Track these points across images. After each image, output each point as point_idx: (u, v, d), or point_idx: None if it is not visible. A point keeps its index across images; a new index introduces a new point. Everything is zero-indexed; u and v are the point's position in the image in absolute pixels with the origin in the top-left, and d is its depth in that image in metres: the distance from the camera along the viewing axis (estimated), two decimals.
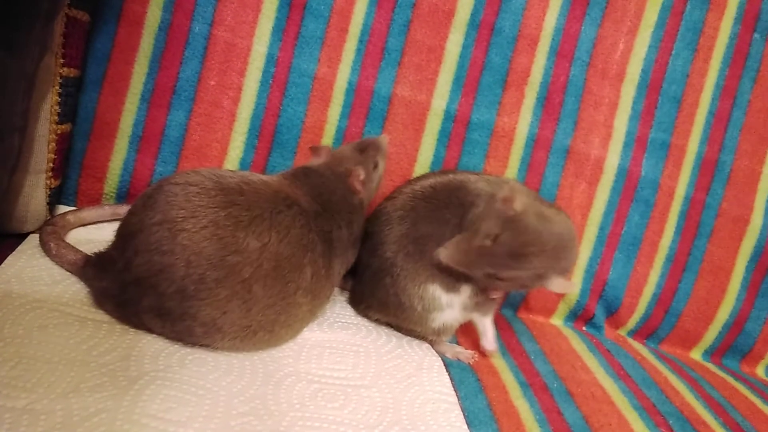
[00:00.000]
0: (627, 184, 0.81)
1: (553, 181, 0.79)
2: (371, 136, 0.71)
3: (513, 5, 0.75)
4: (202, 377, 0.48)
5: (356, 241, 0.64)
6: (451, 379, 0.59)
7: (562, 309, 0.82)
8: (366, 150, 0.67)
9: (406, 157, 0.75)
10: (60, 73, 0.61)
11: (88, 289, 0.55)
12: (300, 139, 0.73)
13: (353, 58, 0.73)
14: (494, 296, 0.63)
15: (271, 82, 0.71)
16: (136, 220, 0.51)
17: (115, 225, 0.67)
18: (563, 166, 0.79)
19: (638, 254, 0.83)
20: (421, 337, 0.65)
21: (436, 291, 0.61)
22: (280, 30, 0.71)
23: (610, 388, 0.67)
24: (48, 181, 0.63)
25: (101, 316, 0.53)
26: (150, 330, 0.52)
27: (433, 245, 0.60)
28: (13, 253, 0.58)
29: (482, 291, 0.62)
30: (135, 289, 0.49)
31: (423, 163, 0.76)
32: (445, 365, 0.62)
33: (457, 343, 0.68)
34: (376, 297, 0.64)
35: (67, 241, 0.62)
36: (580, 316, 0.83)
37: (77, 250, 0.57)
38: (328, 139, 0.74)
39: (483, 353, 0.65)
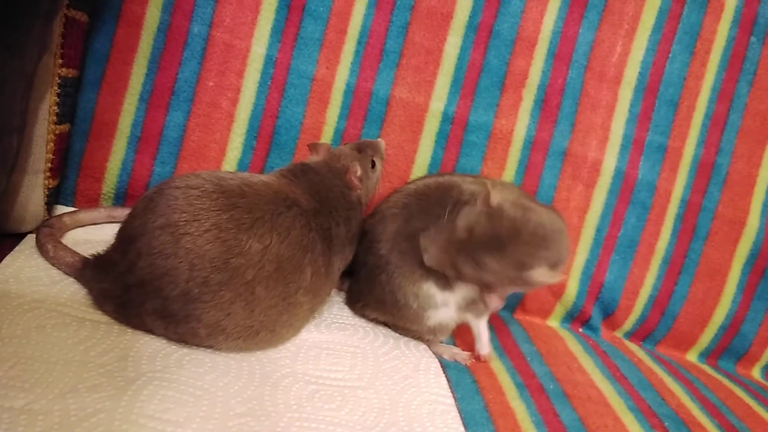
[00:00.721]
0: (624, 186, 0.81)
1: (550, 184, 0.79)
2: (369, 139, 0.72)
3: (511, 8, 0.75)
4: (200, 378, 0.49)
5: (354, 238, 0.65)
6: (448, 380, 0.60)
7: (559, 311, 0.83)
8: (364, 150, 0.68)
9: (404, 159, 0.76)
10: (59, 74, 0.61)
11: (87, 291, 0.55)
12: (298, 141, 0.73)
13: (352, 60, 0.73)
14: (493, 304, 0.62)
15: (269, 83, 0.72)
16: (138, 223, 0.51)
17: (113, 226, 0.67)
18: (560, 169, 0.79)
19: (635, 256, 0.83)
20: (417, 336, 0.65)
21: (430, 289, 0.62)
22: (278, 31, 0.71)
23: (606, 389, 0.67)
24: (46, 181, 0.63)
25: (99, 316, 0.53)
26: (151, 331, 0.52)
27: None
28: (11, 253, 0.59)
29: (479, 297, 0.62)
30: (138, 292, 0.50)
31: (420, 165, 0.76)
32: (442, 367, 0.62)
33: (454, 344, 0.68)
34: (373, 295, 0.64)
35: (65, 241, 0.62)
36: (576, 317, 0.83)
37: (75, 252, 0.57)
38: (326, 140, 0.74)
39: (478, 357, 0.65)
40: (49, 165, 0.63)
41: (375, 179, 0.70)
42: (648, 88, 0.80)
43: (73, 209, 0.69)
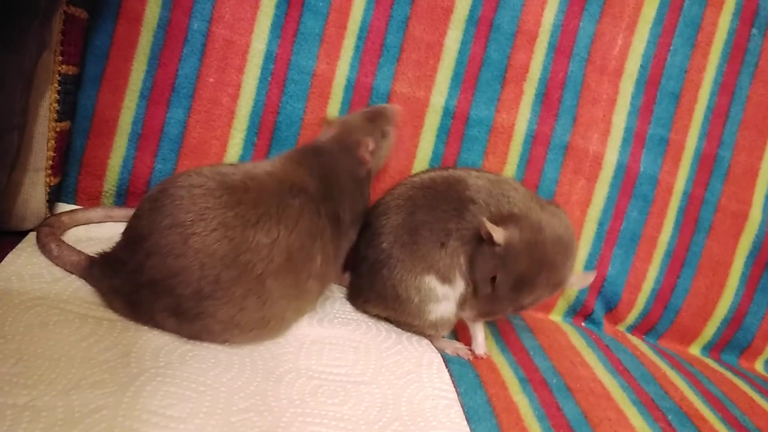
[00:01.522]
0: (626, 180, 0.81)
1: (552, 178, 0.79)
2: (381, 105, 0.71)
3: (511, 1, 0.75)
4: (203, 374, 0.49)
5: (360, 215, 0.65)
6: (450, 375, 0.60)
7: (561, 305, 0.83)
8: (375, 119, 0.68)
9: (405, 154, 0.76)
10: (59, 71, 0.61)
11: (94, 288, 0.55)
12: (299, 136, 0.73)
13: (352, 55, 0.73)
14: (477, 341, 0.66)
15: (270, 79, 0.71)
16: (146, 222, 0.51)
17: (113, 224, 0.68)
18: (562, 163, 0.79)
19: (637, 250, 0.83)
20: (419, 331, 0.65)
21: (431, 282, 0.62)
22: (278, 27, 0.71)
23: (609, 383, 0.67)
24: (47, 179, 0.63)
25: (101, 313, 0.53)
26: (161, 328, 0.52)
27: (427, 233, 0.61)
28: (13, 251, 0.58)
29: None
30: (149, 291, 0.50)
31: (422, 160, 0.76)
32: (444, 361, 0.62)
33: (457, 339, 0.68)
34: (374, 290, 0.64)
35: (66, 240, 0.62)
36: (579, 311, 0.83)
37: (79, 251, 0.57)
38: None
39: (474, 355, 0.65)
40: (50, 162, 0.63)
41: (386, 147, 0.69)
42: (649, 81, 0.80)
43: (73, 207, 0.69)
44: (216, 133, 0.71)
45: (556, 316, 0.83)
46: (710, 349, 0.87)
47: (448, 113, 0.76)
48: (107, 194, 0.71)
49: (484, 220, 0.57)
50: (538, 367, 0.67)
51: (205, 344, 0.53)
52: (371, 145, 0.64)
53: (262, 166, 0.58)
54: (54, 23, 0.59)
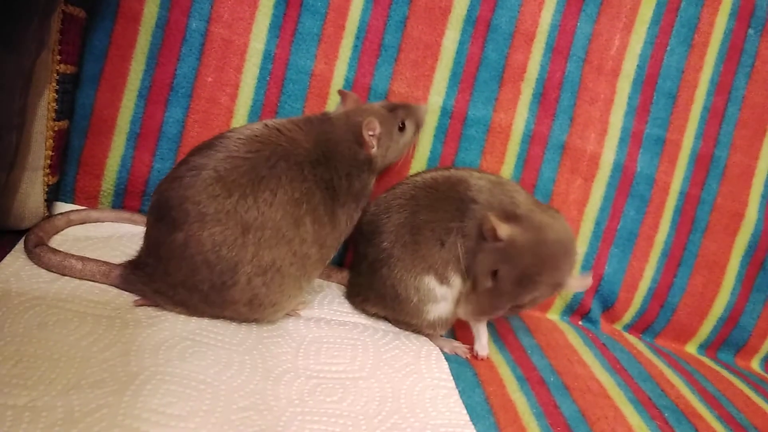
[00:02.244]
0: (622, 179, 0.81)
1: (549, 177, 0.79)
2: (409, 103, 0.70)
3: (509, 1, 0.75)
4: (203, 371, 0.49)
5: (357, 196, 0.62)
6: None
7: (559, 304, 0.83)
8: (395, 110, 0.66)
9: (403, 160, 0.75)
10: (57, 70, 0.61)
11: (138, 294, 0.56)
12: None
13: (350, 55, 0.73)
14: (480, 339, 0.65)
15: (268, 78, 0.71)
16: (155, 232, 0.54)
17: (110, 223, 0.67)
18: (559, 162, 0.79)
19: (634, 249, 0.83)
20: (417, 330, 0.65)
21: (431, 282, 0.62)
22: (277, 27, 0.71)
23: (606, 381, 0.67)
24: (45, 178, 0.63)
25: (101, 311, 0.53)
26: (214, 318, 0.57)
27: (429, 233, 0.61)
28: (12, 252, 0.59)
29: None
30: (184, 289, 0.54)
31: (420, 159, 0.76)
32: (442, 353, 0.63)
33: (455, 338, 0.68)
34: (374, 289, 0.64)
35: (66, 239, 0.63)
36: (576, 310, 0.83)
37: (104, 262, 0.57)
38: None
39: (475, 356, 0.65)
40: (49, 162, 0.63)
41: (402, 144, 0.67)
42: (646, 81, 0.80)
43: (69, 208, 0.69)
44: (214, 132, 0.70)
45: (554, 315, 0.83)
46: (707, 347, 0.88)
47: (445, 113, 0.76)
48: (105, 193, 0.71)
49: (489, 214, 0.57)
50: (536, 365, 0.67)
51: (204, 340, 0.53)
52: (377, 129, 0.61)
53: (253, 129, 0.58)
54: (53, 22, 0.59)
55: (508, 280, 0.57)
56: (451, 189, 0.63)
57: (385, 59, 0.74)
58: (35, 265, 0.57)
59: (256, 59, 0.71)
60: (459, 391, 0.57)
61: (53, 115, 0.62)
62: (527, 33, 0.76)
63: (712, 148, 0.83)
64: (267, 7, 0.70)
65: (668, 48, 0.80)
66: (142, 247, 0.57)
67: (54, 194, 0.67)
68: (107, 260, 0.58)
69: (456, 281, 0.62)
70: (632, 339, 0.84)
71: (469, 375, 0.61)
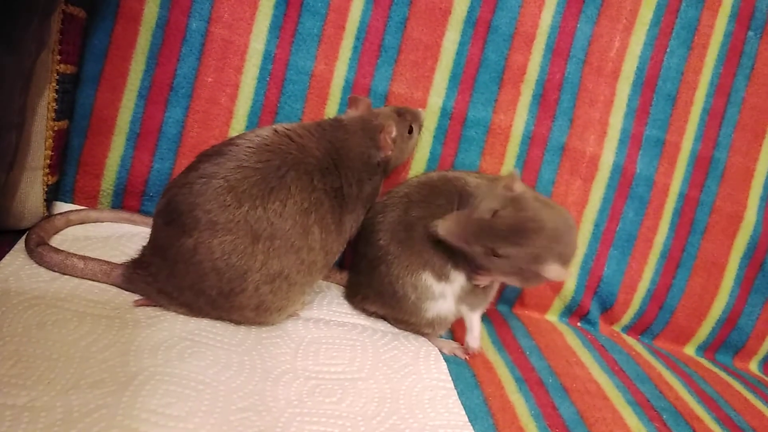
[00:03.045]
0: (622, 181, 0.81)
1: (549, 178, 0.79)
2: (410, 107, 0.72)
3: (509, 3, 0.75)
4: (202, 372, 0.49)
5: (366, 200, 0.64)
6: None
7: (557, 305, 0.83)
8: (404, 114, 0.68)
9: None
10: (57, 70, 0.61)
11: (142, 292, 0.56)
12: None
13: (350, 56, 0.73)
14: (479, 283, 0.63)
15: (268, 79, 0.71)
16: (163, 234, 0.54)
17: (109, 223, 0.67)
18: (559, 163, 0.79)
19: (633, 251, 0.84)
20: (416, 329, 0.66)
21: (428, 279, 0.62)
22: (277, 27, 0.71)
23: (605, 383, 0.67)
24: (45, 178, 0.63)
25: (99, 310, 0.53)
26: (217, 319, 0.57)
27: (422, 229, 0.61)
28: (11, 251, 0.59)
29: (471, 276, 0.62)
30: (190, 293, 0.54)
31: (419, 160, 0.76)
32: (441, 353, 0.63)
33: (453, 339, 0.68)
34: (372, 287, 0.64)
35: (63, 238, 0.63)
36: (575, 312, 0.83)
37: (105, 261, 0.58)
38: None
39: (467, 350, 0.65)
40: (48, 161, 0.63)
41: (410, 146, 0.70)
42: (646, 83, 0.80)
43: (69, 208, 0.69)
44: (214, 133, 0.71)
45: (552, 317, 0.84)
46: (705, 349, 0.88)
47: (445, 114, 0.76)
48: (105, 193, 0.71)
49: (515, 170, 0.60)
50: (534, 366, 0.67)
51: (203, 340, 0.53)
52: (394, 132, 0.63)
53: (262, 135, 0.58)
54: (53, 22, 0.59)
55: (506, 220, 0.56)
56: (445, 185, 0.64)
57: (385, 60, 0.74)
58: (34, 265, 0.57)
59: (256, 60, 0.71)
60: (458, 392, 0.57)
61: (53, 114, 0.62)
62: (527, 34, 0.76)
63: (712, 150, 0.83)
64: (267, 7, 0.70)
65: (668, 50, 0.80)
66: (145, 247, 0.57)
67: (53, 194, 0.67)
68: (107, 260, 0.58)
69: (458, 278, 0.62)
70: (631, 340, 0.84)
71: (467, 376, 0.61)
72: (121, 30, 0.68)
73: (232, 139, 0.58)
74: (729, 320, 0.86)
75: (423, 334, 0.66)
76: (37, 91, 0.60)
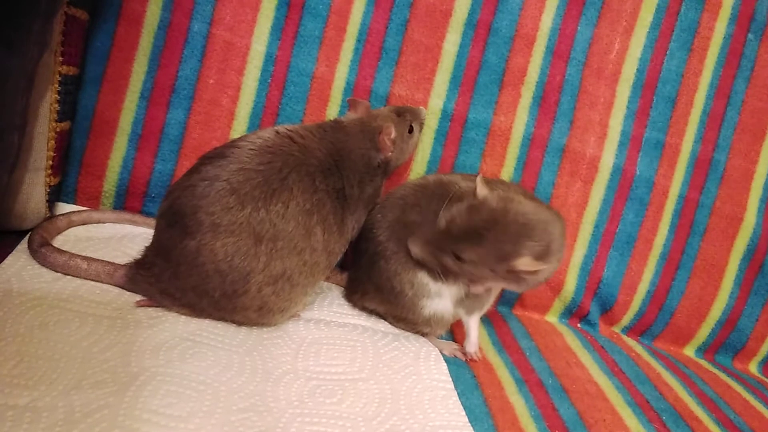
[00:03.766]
0: (622, 182, 0.82)
1: (549, 180, 0.80)
2: (410, 105, 0.72)
3: (510, 5, 0.75)
4: (203, 372, 0.49)
5: (368, 200, 0.65)
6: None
7: (557, 306, 0.83)
8: (403, 114, 0.68)
9: (403, 164, 0.76)
10: (59, 71, 0.61)
11: (143, 292, 0.57)
12: None
13: (351, 58, 0.73)
14: (474, 290, 0.63)
15: (269, 80, 0.72)
16: (166, 236, 0.54)
17: (111, 224, 0.67)
18: (559, 165, 0.80)
19: (633, 252, 0.84)
20: (414, 328, 0.66)
21: (424, 277, 0.62)
22: (278, 29, 0.71)
23: (605, 384, 0.68)
24: (47, 179, 0.64)
25: (102, 311, 0.53)
26: (220, 320, 0.57)
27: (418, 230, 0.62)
28: (13, 252, 0.59)
29: (467, 286, 0.62)
30: (193, 294, 0.55)
31: (420, 162, 0.77)
32: (442, 354, 0.63)
33: (454, 340, 0.69)
34: (372, 282, 0.65)
35: (65, 239, 0.63)
36: (575, 313, 0.84)
37: (108, 262, 0.58)
38: None
39: (464, 353, 0.65)
40: (50, 162, 0.63)
41: (411, 145, 0.70)
42: (646, 85, 0.81)
43: (73, 208, 0.69)
44: (216, 134, 0.71)
45: (552, 318, 0.84)
46: (705, 350, 0.88)
47: (446, 116, 0.76)
48: (107, 194, 0.71)
49: (479, 177, 0.59)
50: (534, 368, 0.67)
51: (204, 341, 0.53)
52: (393, 133, 0.64)
53: (264, 137, 0.58)
54: (55, 24, 0.59)
55: (461, 225, 0.56)
56: (439, 188, 0.64)
57: (386, 62, 0.74)
58: (37, 265, 0.57)
59: (257, 61, 0.71)
60: (458, 393, 0.57)
61: (55, 116, 0.62)
62: (527, 36, 0.76)
63: (711, 152, 0.83)
64: (269, 9, 0.71)
65: (668, 52, 0.81)
66: (148, 248, 0.57)
67: (56, 195, 0.67)
68: (110, 261, 0.58)
69: (454, 281, 0.62)
70: (630, 342, 0.84)
71: (467, 377, 0.61)
72: (124, 32, 0.68)
73: (234, 141, 0.58)
74: (729, 321, 0.86)
75: (422, 334, 0.66)
76: (39, 93, 0.60)
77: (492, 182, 0.66)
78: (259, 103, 0.72)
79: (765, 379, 0.87)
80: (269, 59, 0.71)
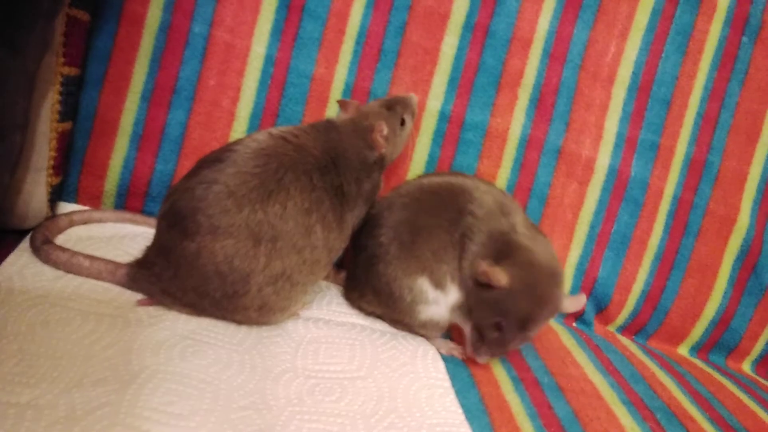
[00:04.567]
0: (617, 184, 0.82)
1: (545, 181, 0.80)
2: (401, 94, 0.72)
3: (507, 8, 0.76)
4: (203, 370, 0.49)
5: (367, 197, 0.65)
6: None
7: None
8: (393, 107, 0.68)
9: (401, 157, 0.76)
10: (61, 72, 0.62)
11: (145, 292, 0.57)
12: None
13: (350, 60, 0.74)
14: (480, 361, 0.64)
15: (269, 82, 0.72)
16: (167, 237, 0.55)
17: (112, 223, 0.68)
18: (555, 167, 0.80)
19: (627, 252, 0.84)
20: (411, 330, 0.66)
21: (424, 284, 0.63)
22: (278, 31, 0.72)
23: (599, 383, 0.68)
24: (49, 179, 0.64)
25: (103, 309, 0.54)
26: (221, 319, 0.58)
27: (425, 238, 0.62)
28: (15, 251, 0.59)
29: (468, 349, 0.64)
30: (194, 294, 0.55)
31: (418, 163, 0.77)
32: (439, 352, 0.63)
33: (451, 339, 0.69)
34: (370, 285, 0.65)
35: (67, 238, 0.63)
36: (570, 312, 0.84)
37: (110, 260, 0.58)
38: None
39: (464, 352, 0.65)
40: (52, 162, 0.64)
41: (404, 137, 0.70)
42: (641, 88, 0.81)
43: (76, 208, 0.69)
44: (216, 135, 0.72)
45: None
46: (698, 349, 0.89)
47: (443, 117, 0.77)
48: (108, 194, 0.71)
49: (483, 263, 0.58)
50: (530, 366, 0.68)
51: (204, 339, 0.54)
52: (385, 130, 0.64)
53: (258, 140, 0.58)
54: (56, 25, 0.60)
55: (513, 329, 0.59)
56: (451, 196, 0.64)
57: (384, 64, 0.75)
58: (38, 264, 0.58)
59: (257, 63, 0.72)
60: (455, 391, 0.58)
61: (57, 116, 0.63)
62: (524, 39, 0.77)
63: (706, 154, 0.84)
64: (269, 11, 0.71)
65: (663, 55, 0.81)
66: (149, 247, 0.58)
67: (57, 194, 0.67)
68: (112, 259, 0.58)
69: (452, 289, 0.63)
70: (625, 341, 0.85)
71: (464, 375, 0.62)
72: (125, 33, 0.68)
73: (230, 144, 0.58)
74: (722, 321, 0.87)
75: (419, 335, 0.67)
76: (41, 93, 0.60)
77: (496, 198, 0.65)
78: (259, 104, 0.72)
79: (758, 378, 0.88)
80: (269, 61, 0.72)
